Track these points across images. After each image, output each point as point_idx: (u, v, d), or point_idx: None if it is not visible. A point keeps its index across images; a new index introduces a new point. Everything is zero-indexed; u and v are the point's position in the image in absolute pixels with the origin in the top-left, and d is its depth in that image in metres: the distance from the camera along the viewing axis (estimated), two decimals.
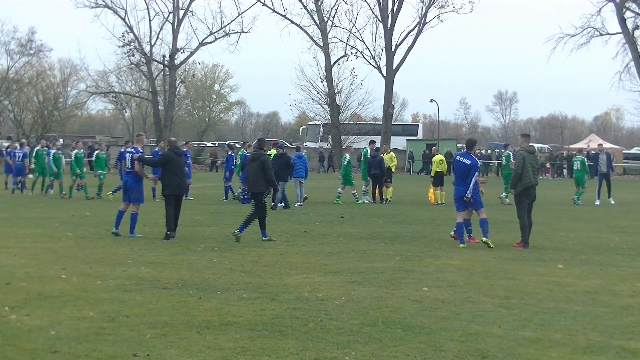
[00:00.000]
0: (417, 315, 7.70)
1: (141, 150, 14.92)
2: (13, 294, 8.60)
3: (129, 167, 14.63)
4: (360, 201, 23.84)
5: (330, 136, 57.78)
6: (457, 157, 13.91)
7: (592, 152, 26.02)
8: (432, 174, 23.94)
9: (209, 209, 20.30)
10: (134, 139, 16.69)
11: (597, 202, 24.51)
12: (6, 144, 31.30)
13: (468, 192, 13.29)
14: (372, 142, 25.62)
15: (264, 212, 13.96)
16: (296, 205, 21.90)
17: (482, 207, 13.49)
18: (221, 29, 55.85)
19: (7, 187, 27.93)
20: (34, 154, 27.45)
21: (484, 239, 13.25)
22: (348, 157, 24.76)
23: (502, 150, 28.54)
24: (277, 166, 19.16)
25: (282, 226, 16.48)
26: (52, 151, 25.10)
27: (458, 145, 59.33)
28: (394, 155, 26.40)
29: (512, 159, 21.09)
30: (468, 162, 13.49)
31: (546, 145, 70.08)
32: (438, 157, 23.97)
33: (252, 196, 14.21)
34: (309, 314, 7.68)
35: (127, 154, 14.82)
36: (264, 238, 13.81)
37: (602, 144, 28.99)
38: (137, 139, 15.53)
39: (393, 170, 25.83)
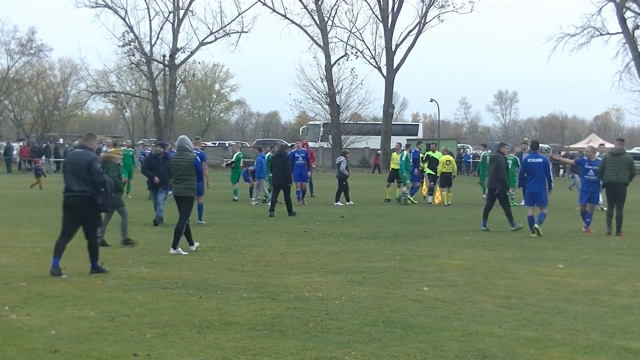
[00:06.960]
0: (417, 315, 7.70)
1: (202, 151, 16.85)
2: (13, 293, 8.61)
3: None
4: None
5: (330, 136, 57.77)
6: (529, 159, 15.38)
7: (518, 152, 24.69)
8: (437, 175, 23.59)
9: (209, 209, 20.27)
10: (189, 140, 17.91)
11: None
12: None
13: (551, 186, 15.40)
14: (524, 142, 22.34)
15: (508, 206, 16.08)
16: (267, 204, 21.50)
17: (546, 205, 15.30)
18: (221, 28, 55.96)
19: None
20: None
21: (536, 225, 14.88)
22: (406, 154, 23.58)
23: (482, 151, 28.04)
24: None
25: (283, 226, 16.48)
26: (268, 154, 23.02)
27: (457, 145, 59.34)
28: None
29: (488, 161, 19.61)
30: (540, 160, 15.17)
31: (546, 145, 69.93)
32: (445, 158, 23.41)
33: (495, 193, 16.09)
34: (309, 314, 7.68)
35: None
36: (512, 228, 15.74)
37: (525, 143, 27.04)
38: (196, 142, 17.26)
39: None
